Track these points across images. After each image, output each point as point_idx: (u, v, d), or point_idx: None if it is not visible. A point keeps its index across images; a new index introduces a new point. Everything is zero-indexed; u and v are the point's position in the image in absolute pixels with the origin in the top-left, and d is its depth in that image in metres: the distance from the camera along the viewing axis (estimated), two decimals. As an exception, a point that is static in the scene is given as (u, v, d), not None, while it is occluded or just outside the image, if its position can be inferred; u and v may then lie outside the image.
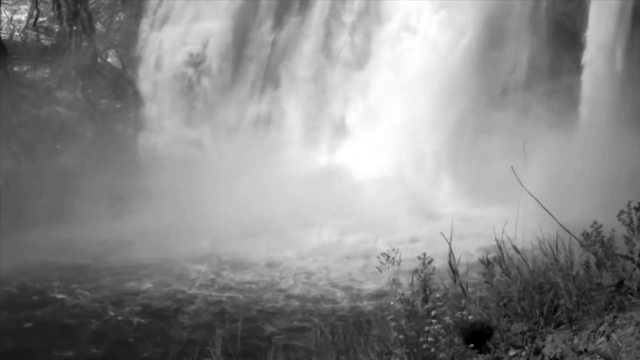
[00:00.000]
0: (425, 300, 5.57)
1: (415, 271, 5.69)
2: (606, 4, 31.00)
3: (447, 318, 5.53)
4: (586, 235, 5.78)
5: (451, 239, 6.22)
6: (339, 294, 25.53)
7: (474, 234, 22.63)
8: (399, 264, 5.83)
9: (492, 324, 5.64)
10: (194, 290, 25.90)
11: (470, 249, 20.06)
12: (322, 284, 26.27)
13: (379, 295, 23.60)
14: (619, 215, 5.51)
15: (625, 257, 5.56)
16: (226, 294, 25.56)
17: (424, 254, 5.70)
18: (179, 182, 31.52)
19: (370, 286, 25.31)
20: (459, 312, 5.65)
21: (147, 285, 26.40)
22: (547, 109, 31.36)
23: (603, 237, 5.75)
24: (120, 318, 24.09)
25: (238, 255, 28.08)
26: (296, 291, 25.70)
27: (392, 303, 5.67)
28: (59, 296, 25.55)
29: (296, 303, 24.93)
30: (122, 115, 35.97)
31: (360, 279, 26.14)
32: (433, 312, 5.48)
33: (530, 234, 6.52)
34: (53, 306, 24.90)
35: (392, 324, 5.53)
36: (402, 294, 5.62)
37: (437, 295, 5.60)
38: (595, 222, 5.84)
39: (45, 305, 25.00)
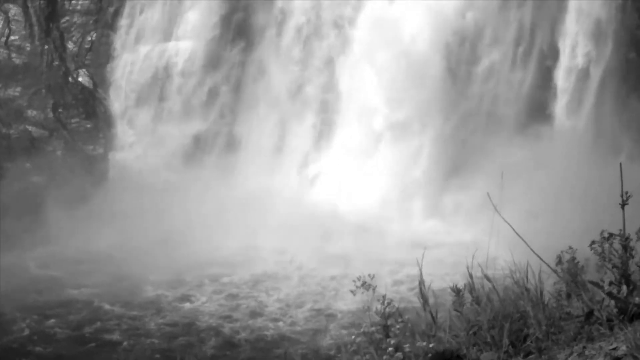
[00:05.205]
0: (387, 334, 5.57)
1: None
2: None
3: (406, 346, 5.54)
4: (559, 260, 5.78)
5: (421, 266, 6.20)
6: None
7: (452, 258, 22.63)
8: (374, 289, 5.84)
9: (461, 352, 5.62)
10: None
11: (447, 275, 20.08)
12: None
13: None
14: (590, 245, 5.52)
15: (596, 284, 5.57)
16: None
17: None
18: (148, 201, 31.40)
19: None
20: (425, 342, 5.64)
21: (107, 307, 26.26)
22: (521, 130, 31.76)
23: (577, 262, 5.75)
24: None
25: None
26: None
27: (353, 337, 5.70)
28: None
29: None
30: (93, 134, 35.79)
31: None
32: (392, 342, 5.50)
33: (502, 261, 6.53)
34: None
35: (355, 357, 5.55)
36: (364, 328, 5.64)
37: (398, 327, 5.60)
38: (570, 247, 5.84)
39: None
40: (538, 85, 33.00)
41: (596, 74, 32.25)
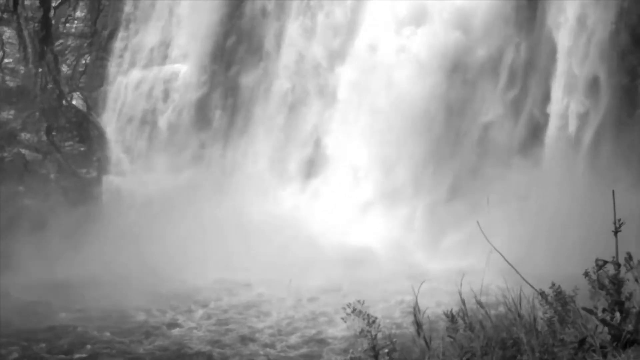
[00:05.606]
0: (377, 358, 5.56)
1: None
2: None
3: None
4: (543, 295, 5.78)
5: (417, 292, 6.20)
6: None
7: (448, 287, 22.53)
8: (365, 315, 5.82)
9: (455, 378, 5.61)
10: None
11: (442, 303, 20.01)
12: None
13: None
14: (585, 274, 5.53)
15: (590, 311, 5.58)
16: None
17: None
18: (140, 226, 31.35)
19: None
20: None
21: (96, 332, 26.10)
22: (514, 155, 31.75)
23: (565, 294, 5.76)
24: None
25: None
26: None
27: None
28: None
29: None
30: (87, 157, 35.78)
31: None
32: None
33: (495, 287, 6.54)
34: None
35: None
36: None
37: (387, 351, 5.59)
38: (553, 284, 5.84)
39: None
40: (530, 140, 32.66)
41: (589, 135, 31.78)
